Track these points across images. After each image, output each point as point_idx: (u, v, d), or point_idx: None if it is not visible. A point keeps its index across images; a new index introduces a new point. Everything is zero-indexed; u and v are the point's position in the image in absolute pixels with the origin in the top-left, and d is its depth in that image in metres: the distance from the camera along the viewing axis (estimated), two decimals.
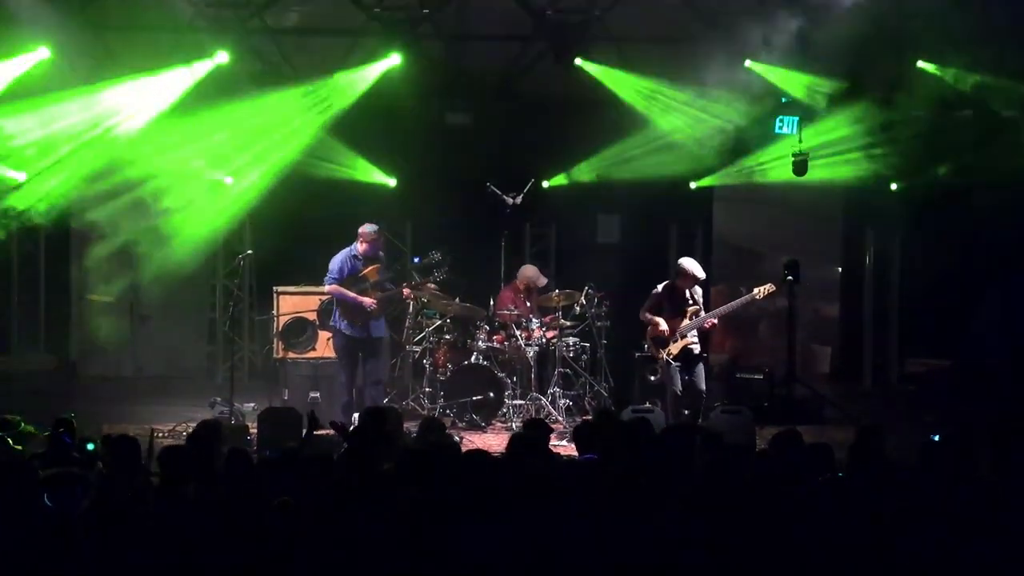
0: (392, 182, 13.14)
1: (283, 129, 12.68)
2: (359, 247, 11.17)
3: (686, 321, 10.76)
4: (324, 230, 12.38)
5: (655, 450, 6.76)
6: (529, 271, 12.48)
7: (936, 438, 6.90)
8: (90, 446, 7.14)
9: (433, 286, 11.82)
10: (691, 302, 10.78)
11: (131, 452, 6.67)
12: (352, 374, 11.20)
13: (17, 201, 12.01)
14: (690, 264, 10.76)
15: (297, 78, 12.51)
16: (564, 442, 10.30)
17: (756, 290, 10.90)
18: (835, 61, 11.58)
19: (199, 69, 11.79)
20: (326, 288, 11.22)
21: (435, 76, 12.54)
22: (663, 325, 10.71)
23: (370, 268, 11.17)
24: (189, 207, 12.83)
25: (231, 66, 11.82)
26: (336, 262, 11.16)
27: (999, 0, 10.99)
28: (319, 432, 7.66)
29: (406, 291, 11.56)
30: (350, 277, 11.12)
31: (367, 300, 11.03)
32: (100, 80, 11.66)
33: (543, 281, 12.46)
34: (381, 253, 11.42)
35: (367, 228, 11.20)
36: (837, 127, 12.54)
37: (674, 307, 10.77)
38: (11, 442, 7.50)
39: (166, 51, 11.65)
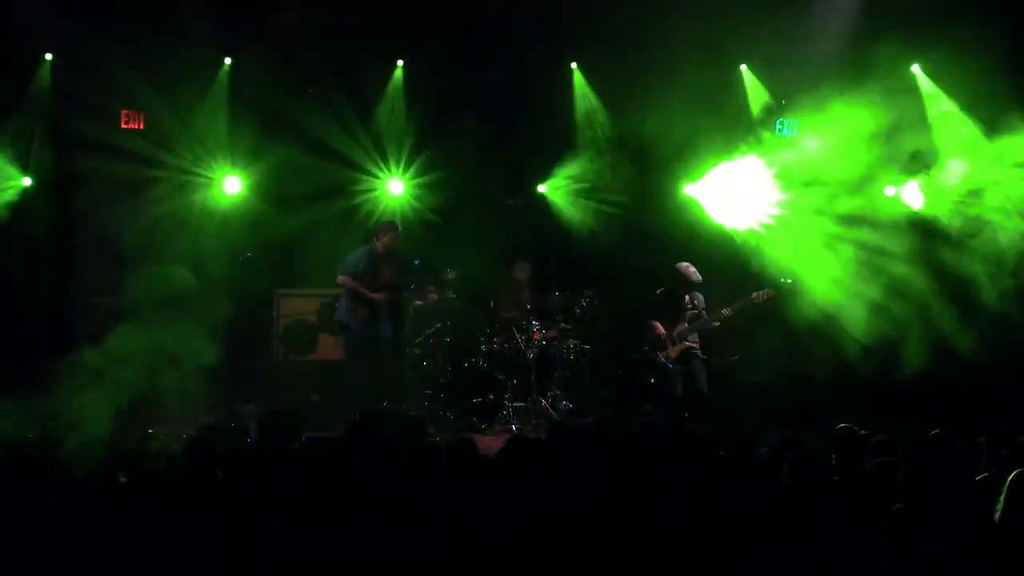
0: (398, 188, 13.12)
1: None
2: (377, 245, 11.25)
3: (685, 325, 10.82)
4: (328, 233, 12.39)
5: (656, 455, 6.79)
6: (519, 270, 12.45)
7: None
8: None
9: (432, 288, 11.87)
10: (690, 307, 10.82)
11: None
12: (360, 374, 11.21)
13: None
14: (685, 268, 10.81)
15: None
16: None
17: (755, 294, 10.97)
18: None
19: None
20: (338, 279, 11.26)
21: (437, 78, 12.54)
22: (661, 328, 10.77)
23: (386, 270, 11.24)
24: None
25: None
26: (353, 257, 11.24)
27: None
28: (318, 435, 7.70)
29: (429, 295, 11.59)
30: (366, 273, 11.17)
31: (375, 296, 11.08)
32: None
33: (522, 278, 12.37)
34: (413, 259, 11.60)
35: (382, 224, 11.29)
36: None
37: (673, 311, 10.83)
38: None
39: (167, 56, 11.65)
